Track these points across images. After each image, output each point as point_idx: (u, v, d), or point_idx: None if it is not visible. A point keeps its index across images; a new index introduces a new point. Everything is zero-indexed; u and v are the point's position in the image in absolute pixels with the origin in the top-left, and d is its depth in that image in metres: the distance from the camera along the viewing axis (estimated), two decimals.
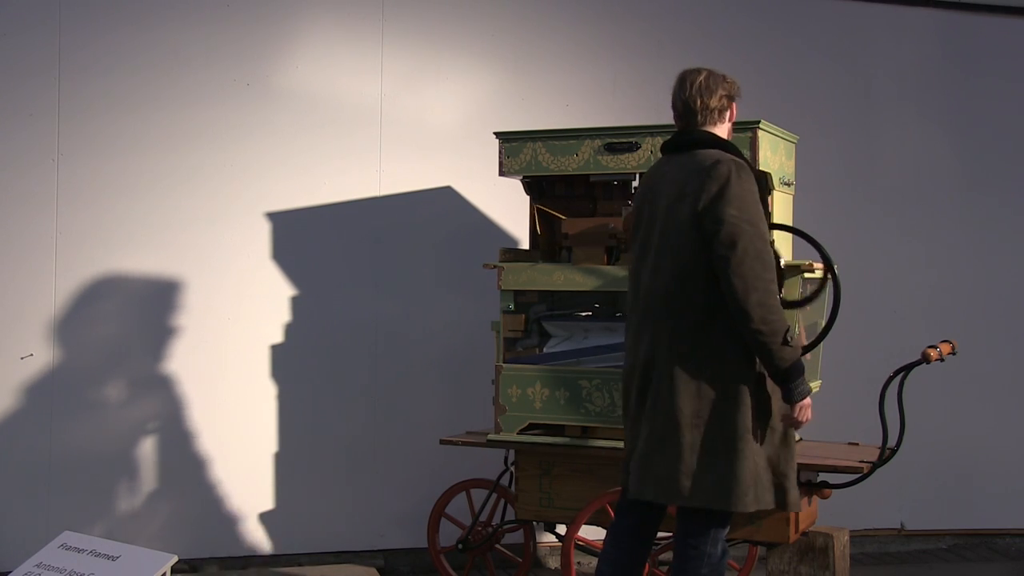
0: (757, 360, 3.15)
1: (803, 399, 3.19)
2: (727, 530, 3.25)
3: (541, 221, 4.36)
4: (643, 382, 3.22)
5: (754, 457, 3.12)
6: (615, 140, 4.09)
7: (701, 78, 3.28)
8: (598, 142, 4.12)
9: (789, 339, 3.10)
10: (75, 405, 4.65)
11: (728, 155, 3.18)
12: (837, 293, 3.74)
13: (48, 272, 4.64)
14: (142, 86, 4.74)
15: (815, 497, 4.09)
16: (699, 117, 3.28)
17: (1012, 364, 5.72)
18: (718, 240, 3.07)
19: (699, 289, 3.12)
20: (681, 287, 3.14)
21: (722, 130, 3.32)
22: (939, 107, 5.71)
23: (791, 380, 3.14)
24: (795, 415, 3.21)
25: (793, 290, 3.87)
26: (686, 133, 3.30)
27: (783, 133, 4.19)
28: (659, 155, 3.42)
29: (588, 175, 4.24)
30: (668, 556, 4.22)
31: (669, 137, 3.36)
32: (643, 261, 3.28)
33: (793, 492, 3.20)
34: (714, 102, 3.27)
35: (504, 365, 4.21)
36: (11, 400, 4.59)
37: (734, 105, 3.35)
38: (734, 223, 3.05)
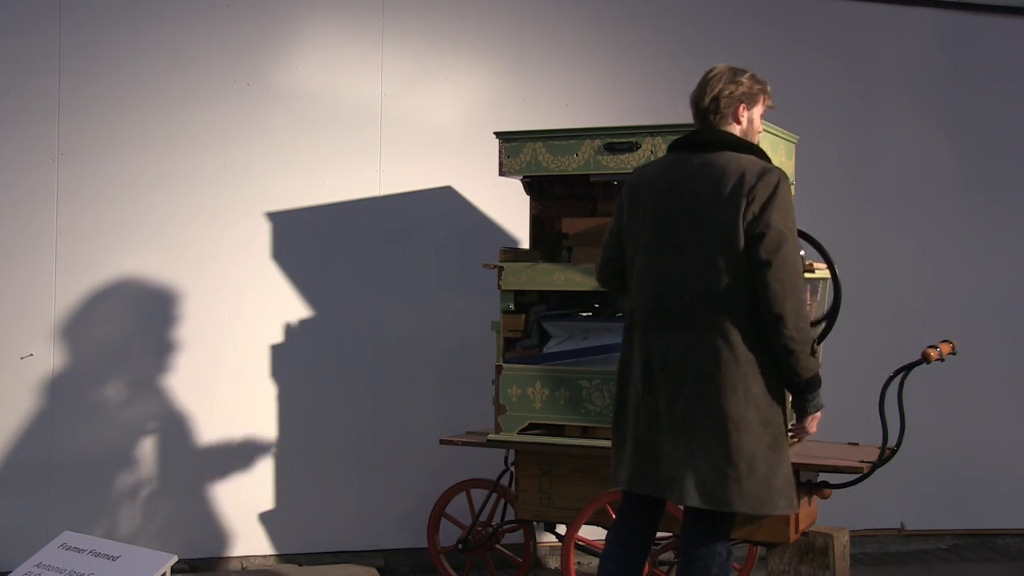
0: None
1: (816, 411, 3.20)
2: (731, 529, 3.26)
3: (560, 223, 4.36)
4: (672, 382, 3.15)
5: (786, 460, 3.14)
6: (615, 140, 4.08)
7: (713, 73, 3.25)
8: (598, 142, 4.11)
9: (814, 351, 3.10)
10: (75, 405, 4.65)
11: (771, 164, 3.17)
12: (838, 293, 3.74)
13: (48, 272, 4.64)
14: (142, 86, 4.74)
15: (815, 497, 4.09)
16: (708, 110, 3.23)
17: (1012, 364, 5.71)
18: (763, 245, 3.04)
19: (741, 293, 3.09)
20: (723, 290, 3.10)
21: (736, 129, 3.25)
22: (939, 107, 5.70)
23: (810, 391, 3.15)
24: (804, 425, 3.23)
25: None
26: (707, 132, 3.24)
27: (783, 133, 4.19)
28: (658, 154, 3.38)
29: (588, 175, 4.23)
30: (668, 556, 4.23)
31: (687, 134, 3.28)
32: (666, 258, 3.19)
33: None
34: (724, 94, 3.21)
35: (504, 365, 4.21)
36: (11, 400, 4.59)
37: (743, 107, 3.24)
38: (780, 229, 3.05)
